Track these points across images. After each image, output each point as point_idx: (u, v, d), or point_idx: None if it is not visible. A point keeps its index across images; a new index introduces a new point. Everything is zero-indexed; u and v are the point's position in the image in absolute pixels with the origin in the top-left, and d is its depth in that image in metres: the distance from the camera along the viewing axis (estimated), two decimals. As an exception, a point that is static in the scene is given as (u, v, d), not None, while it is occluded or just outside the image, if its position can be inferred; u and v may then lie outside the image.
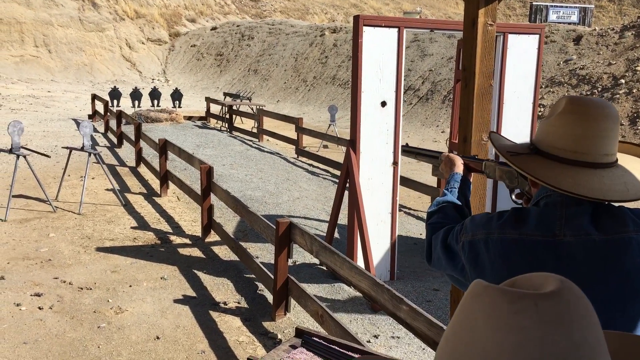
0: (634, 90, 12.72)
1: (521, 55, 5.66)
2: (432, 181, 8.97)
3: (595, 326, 0.63)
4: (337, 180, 6.85)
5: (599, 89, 13.47)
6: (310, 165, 11.42)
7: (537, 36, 5.69)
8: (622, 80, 13.20)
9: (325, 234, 6.21)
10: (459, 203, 1.78)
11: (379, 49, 5.12)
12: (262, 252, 6.18)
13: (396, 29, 5.15)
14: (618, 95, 12.82)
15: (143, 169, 10.27)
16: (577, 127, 1.32)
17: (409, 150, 2.24)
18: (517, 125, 5.78)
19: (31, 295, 4.91)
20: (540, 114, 13.45)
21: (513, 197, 1.78)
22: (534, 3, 26.65)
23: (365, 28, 5.03)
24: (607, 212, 1.34)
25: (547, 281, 0.66)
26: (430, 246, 1.67)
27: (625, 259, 1.30)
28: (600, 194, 1.29)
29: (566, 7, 26.59)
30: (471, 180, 1.93)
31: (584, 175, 1.31)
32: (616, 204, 1.37)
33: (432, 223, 1.71)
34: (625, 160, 1.41)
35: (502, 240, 1.39)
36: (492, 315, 0.62)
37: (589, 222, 1.32)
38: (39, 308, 4.67)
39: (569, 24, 22.30)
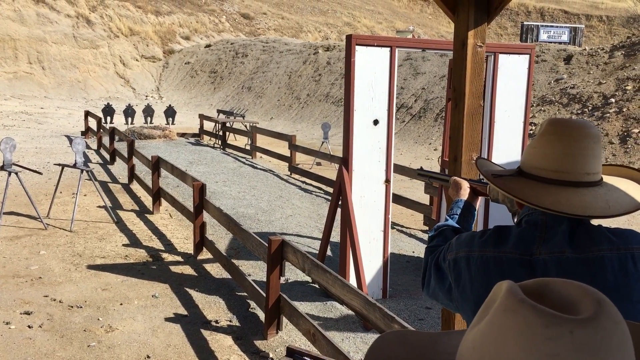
0: (624, 109, 12.85)
1: (512, 75, 5.72)
2: (424, 199, 9.00)
3: (629, 351, 0.62)
4: (330, 198, 6.86)
5: (590, 108, 13.61)
6: (303, 182, 11.43)
7: (528, 56, 5.76)
8: (612, 100, 13.35)
9: (317, 252, 6.21)
10: (458, 226, 1.79)
11: (371, 68, 5.17)
12: (255, 270, 6.16)
13: (388, 49, 5.20)
14: (608, 114, 12.95)
15: (135, 186, 10.24)
16: (557, 146, 1.34)
17: (422, 174, 2.30)
18: (508, 143, 5.83)
19: (21, 314, 4.86)
20: (531, 132, 13.55)
21: (515, 220, 1.79)
22: (525, 23, 27.00)
23: (357, 47, 5.08)
24: (584, 231, 1.35)
25: (584, 298, 0.65)
26: (426, 270, 1.68)
27: (597, 277, 1.30)
28: (580, 210, 1.30)
29: (557, 27, 26.95)
30: (477, 205, 1.93)
31: (565, 193, 1.32)
32: (595, 223, 1.39)
33: (430, 247, 1.72)
34: (614, 182, 1.42)
35: (481, 258, 1.41)
36: (524, 337, 0.60)
37: (566, 240, 1.34)
38: (29, 327, 4.63)
39: (560, 43, 22.59)
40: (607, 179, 1.41)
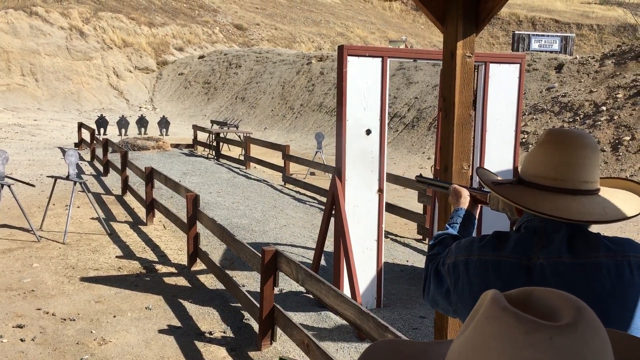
0: (615, 117, 12.94)
1: (503, 84, 5.77)
2: (418, 208, 9.01)
3: (609, 357, 0.63)
4: (324, 208, 6.87)
5: (581, 116, 13.70)
6: (297, 192, 11.43)
7: (518, 65, 5.81)
8: (604, 108, 13.44)
9: (311, 262, 6.20)
10: (459, 235, 1.82)
11: (363, 78, 5.20)
12: (249, 281, 6.14)
13: (380, 59, 5.24)
14: (600, 122, 13.03)
15: (129, 197, 10.22)
16: (556, 155, 1.37)
17: (422, 181, 2.30)
18: (500, 151, 5.86)
19: (13, 327, 4.83)
20: (523, 140, 13.62)
21: (514, 228, 1.82)
22: (516, 32, 27.20)
23: (349, 58, 5.12)
24: (582, 237, 1.38)
25: (565, 306, 0.66)
26: (427, 277, 1.70)
27: (594, 282, 1.33)
28: (579, 216, 1.33)
29: (548, 36, 27.15)
30: (476, 214, 1.94)
31: (563, 200, 1.35)
32: (594, 231, 1.41)
33: (431, 255, 1.74)
34: (612, 192, 1.45)
35: (480, 262, 1.43)
36: (505, 343, 0.62)
37: (563, 246, 1.36)
38: (21, 340, 4.60)
39: (551, 52, 22.75)
40: (604, 189, 1.44)
